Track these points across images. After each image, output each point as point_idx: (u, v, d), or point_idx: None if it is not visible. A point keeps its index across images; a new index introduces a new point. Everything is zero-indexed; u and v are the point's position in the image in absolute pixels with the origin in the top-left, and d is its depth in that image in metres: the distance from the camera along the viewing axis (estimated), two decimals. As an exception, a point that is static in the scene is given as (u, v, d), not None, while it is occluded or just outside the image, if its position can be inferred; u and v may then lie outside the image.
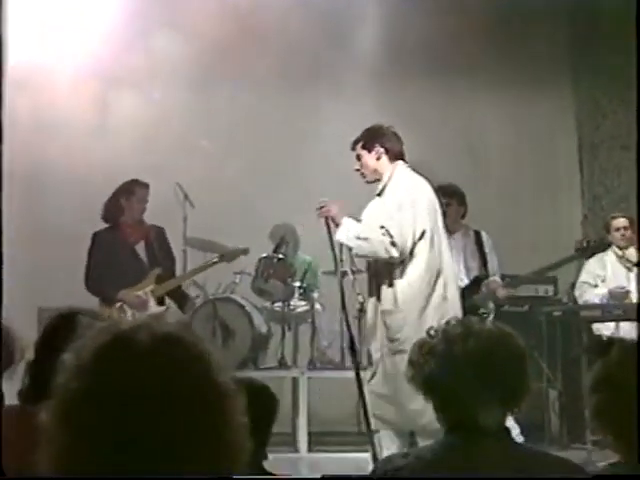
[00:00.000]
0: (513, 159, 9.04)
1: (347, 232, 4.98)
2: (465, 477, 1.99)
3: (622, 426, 2.17)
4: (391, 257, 4.90)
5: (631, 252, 7.31)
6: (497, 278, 6.91)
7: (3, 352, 2.45)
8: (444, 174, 6.83)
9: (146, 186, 6.65)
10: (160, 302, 6.54)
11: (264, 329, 7.54)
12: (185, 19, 8.06)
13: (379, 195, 5.14)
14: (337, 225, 5.04)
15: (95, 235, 6.59)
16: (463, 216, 7.08)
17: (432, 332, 2.21)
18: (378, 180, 5.18)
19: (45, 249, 7.36)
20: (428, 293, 4.99)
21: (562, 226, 9.02)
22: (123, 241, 6.55)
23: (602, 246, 6.97)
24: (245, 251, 7.04)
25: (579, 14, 9.18)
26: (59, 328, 2.45)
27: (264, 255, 7.47)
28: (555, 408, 7.43)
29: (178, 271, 7.04)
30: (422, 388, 2.16)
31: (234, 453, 1.33)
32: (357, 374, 4.74)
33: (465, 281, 6.74)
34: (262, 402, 2.81)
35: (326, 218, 5.05)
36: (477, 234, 7.02)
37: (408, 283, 4.96)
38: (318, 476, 5.92)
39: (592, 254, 7.02)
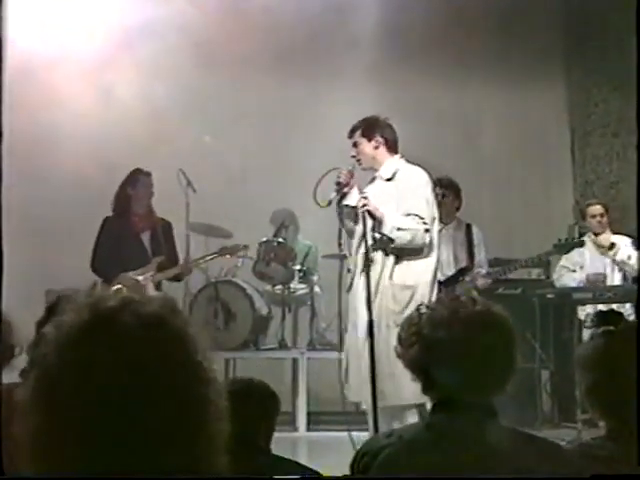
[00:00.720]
0: (507, 146, 9.09)
1: (391, 225, 5.02)
2: (465, 477, 1.97)
3: (621, 402, 2.21)
4: (424, 243, 5.03)
5: (605, 237, 7.43)
6: (482, 270, 7.01)
7: (3, 346, 2.45)
8: (440, 163, 6.88)
9: (148, 174, 6.81)
10: (157, 288, 6.65)
11: (265, 311, 7.63)
12: (184, 11, 8.07)
13: (389, 180, 5.19)
14: (374, 218, 5.01)
15: (105, 220, 6.76)
16: (458, 209, 7.19)
17: (422, 309, 2.19)
18: (373, 168, 5.26)
19: (53, 234, 7.43)
20: (433, 275, 5.12)
21: (554, 211, 9.10)
22: (130, 228, 6.72)
23: (579, 243, 7.08)
24: (245, 247, 7.16)
25: (571, 7, 9.23)
26: (56, 308, 2.48)
27: (265, 239, 7.56)
28: (547, 388, 7.53)
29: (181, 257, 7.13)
30: (409, 367, 2.15)
31: (212, 435, 1.28)
32: (372, 356, 4.75)
33: (452, 270, 6.91)
34: (263, 401, 2.81)
35: (363, 212, 5.01)
36: (468, 227, 7.12)
37: (425, 264, 5.09)
38: (317, 456, 6.05)
39: (569, 250, 7.12)
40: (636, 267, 7.17)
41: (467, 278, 6.84)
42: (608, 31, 8.81)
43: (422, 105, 8.49)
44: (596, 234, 7.44)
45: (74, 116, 7.70)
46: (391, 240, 4.98)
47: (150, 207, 6.83)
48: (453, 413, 2.07)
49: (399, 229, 4.97)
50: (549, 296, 7.41)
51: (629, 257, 7.20)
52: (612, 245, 7.31)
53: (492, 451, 2.00)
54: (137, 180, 6.76)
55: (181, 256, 7.01)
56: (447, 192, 6.93)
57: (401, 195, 5.09)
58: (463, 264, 7.01)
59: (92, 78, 7.96)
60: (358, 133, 5.24)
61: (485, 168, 8.93)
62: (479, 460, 1.98)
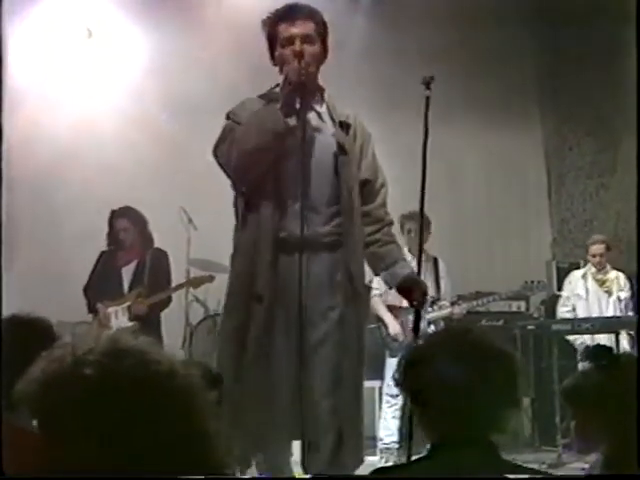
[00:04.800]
0: (488, 186, 9.14)
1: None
2: (465, 477, 1.87)
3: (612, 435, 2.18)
4: None
5: (610, 276, 7.43)
6: (446, 302, 6.95)
7: None
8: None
9: (122, 215, 6.62)
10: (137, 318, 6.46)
11: (260, 342, 7.56)
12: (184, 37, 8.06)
13: None
14: None
15: (101, 254, 6.70)
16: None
17: (420, 342, 2.10)
18: None
19: (59, 262, 7.36)
20: None
21: (533, 247, 9.13)
22: (113, 262, 6.63)
23: (543, 286, 7.13)
24: (211, 278, 6.94)
25: (544, 55, 9.33)
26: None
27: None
28: (528, 414, 7.50)
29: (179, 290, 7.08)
30: (409, 397, 2.00)
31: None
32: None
33: None
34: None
35: None
36: (435, 260, 7.06)
37: None
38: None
39: (534, 292, 7.19)
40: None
41: (434, 308, 6.79)
42: (578, 84, 8.92)
43: (405, 146, 8.47)
44: (598, 270, 7.46)
45: (69, 158, 7.62)
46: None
47: (142, 238, 6.64)
48: (454, 448, 1.89)
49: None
50: (529, 327, 7.43)
51: (625, 297, 7.28)
52: (609, 283, 7.38)
53: None
54: (121, 214, 6.65)
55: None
56: (414, 227, 6.87)
57: None
58: (430, 294, 6.98)
59: (88, 115, 7.92)
60: None
61: (467, 206, 8.96)
62: None
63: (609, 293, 7.40)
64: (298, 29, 3.50)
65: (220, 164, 3.47)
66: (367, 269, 3.70)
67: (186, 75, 7.84)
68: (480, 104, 8.93)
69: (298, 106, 3.42)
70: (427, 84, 3.73)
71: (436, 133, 8.72)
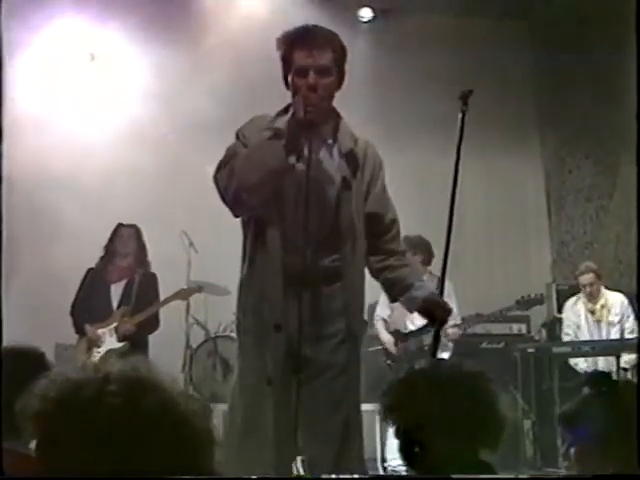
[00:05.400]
0: (486, 209, 9.13)
1: None
2: (466, 477, 1.93)
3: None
4: None
5: (598, 306, 7.37)
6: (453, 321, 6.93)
7: None
8: (422, 222, 6.86)
9: (131, 226, 6.61)
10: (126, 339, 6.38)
11: (261, 365, 7.52)
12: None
13: None
14: None
15: (88, 271, 6.60)
16: (429, 263, 7.09)
17: (400, 377, 2.12)
18: None
19: (62, 285, 7.31)
20: None
21: (533, 270, 9.11)
22: (102, 279, 6.53)
23: (540, 300, 7.07)
24: (200, 289, 6.96)
25: (544, 78, 9.35)
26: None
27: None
28: (529, 436, 7.45)
29: (179, 312, 7.05)
30: (394, 431, 2.07)
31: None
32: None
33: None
34: None
35: None
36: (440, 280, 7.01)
37: None
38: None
39: (529, 307, 7.10)
40: (627, 325, 7.21)
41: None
42: (577, 107, 8.94)
43: (408, 173, 8.49)
44: (588, 300, 7.41)
45: (71, 181, 7.61)
46: None
47: (137, 259, 6.57)
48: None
49: None
50: (530, 350, 7.40)
51: (616, 320, 7.23)
52: (598, 313, 7.33)
53: None
54: (116, 233, 6.62)
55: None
56: (415, 250, 6.86)
57: None
58: None
59: (90, 137, 7.92)
60: None
61: (467, 229, 8.92)
62: None
63: (599, 321, 7.35)
64: (314, 60, 3.31)
65: (218, 188, 3.35)
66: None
67: (187, 96, 7.84)
68: (479, 127, 8.91)
69: (304, 142, 3.27)
70: (465, 98, 3.62)
71: (435, 156, 8.78)
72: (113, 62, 8.16)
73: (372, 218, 3.50)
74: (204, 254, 7.26)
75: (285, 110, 3.43)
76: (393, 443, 6.65)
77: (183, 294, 6.85)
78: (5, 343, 2.50)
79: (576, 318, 7.44)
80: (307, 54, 3.31)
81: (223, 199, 3.34)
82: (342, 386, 3.35)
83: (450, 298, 6.90)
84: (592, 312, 7.37)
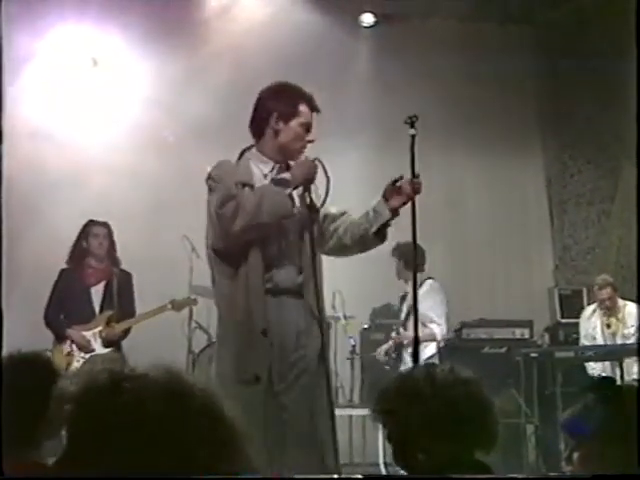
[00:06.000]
0: (488, 214, 9.10)
1: None
2: (466, 477, 1.92)
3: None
4: None
5: (614, 319, 7.32)
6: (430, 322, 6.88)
7: None
8: (426, 229, 6.80)
9: (104, 224, 6.44)
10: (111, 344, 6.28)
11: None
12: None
13: None
14: None
15: (61, 271, 6.40)
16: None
17: (398, 381, 2.12)
18: None
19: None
20: None
21: (535, 274, 9.08)
22: (81, 281, 6.33)
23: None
24: (194, 301, 6.87)
25: (545, 83, 9.33)
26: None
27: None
28: (532, 440, 7.41)
29: (182, 317, 7.01)
30: (391, 435, 2.07)
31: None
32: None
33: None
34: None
35: None
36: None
37: None
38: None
39: None
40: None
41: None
42: (579, 112, 8.92)
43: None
44: (604, 314, 7.37)
45: (72, 186, 7.59)
46: None
47: (111, 258, 6.41)
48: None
49: None
50: (532, 355, 7.36)
51: (630, 333, 7.18)
52: (614, 326, 7.29)
53: None
54: (89, 232, 6.40)
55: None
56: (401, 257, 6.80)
57: None
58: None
59: (90, 147, 7.89)
60: None
61: (468, 234, 8.91)
62: None
63: (614, 334, 7.31)
64: (312, 121, 3.80)
65: (220, 220, 3.69)
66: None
67: (189, 100, 7.83)
68: (481, 132, 8.92)
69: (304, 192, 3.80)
70: (412, 123, 3.74)
71: (437, 161, 8.78)
72: (115, 67, 8.15)
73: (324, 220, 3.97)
74: (205, 258, 7.21)
75: (244, 151, 3.89)
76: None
77: (176, 305, 6.66)
78: (7, 346, 2.46)
79: (592, 330, 7.40)
80: (311, 113, 3.78)
81: (226, 230, 3.70)
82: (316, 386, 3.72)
83: (426, 298, 6.71)
84: (608, 325, 7.33)
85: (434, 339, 6.65)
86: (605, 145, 8.70)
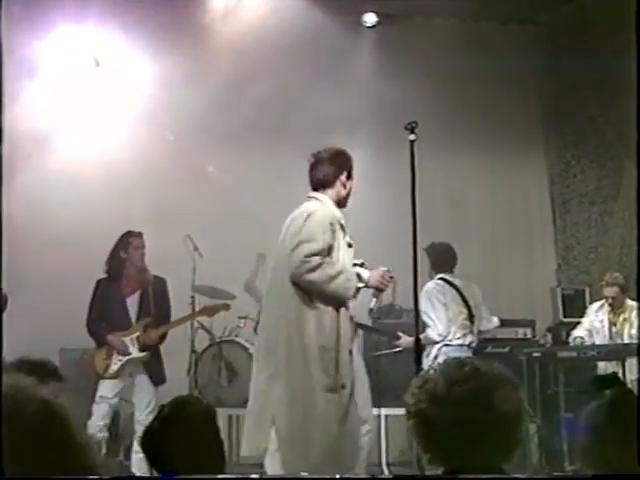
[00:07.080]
0: (491, 213, 9.09)
1: None
2: (469, 477, 1.89)
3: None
4: None
5: (621, 318, 7.29)
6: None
7: None
8: (429, 228, 6.79)
9: (139, 235, 6.58)
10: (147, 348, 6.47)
11: (266, 370, 7.47)
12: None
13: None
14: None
15: (98, 282, 6.57)
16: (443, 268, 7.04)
17: (431, 373, 2.04)
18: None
19: (66, 292, 7.26)
20: None
21: (538, 274, 9.06)
22: (118, 292, 6.53)
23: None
24: (226, 306, 7.00)
25: (548, 83, 9.31)
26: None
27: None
28: (535, 440, 7.38)
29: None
30: (419, 434, 2.01)
31: None
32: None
33: None
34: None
35: None
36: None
37: None
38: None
39: None
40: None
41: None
42: (581, 112, 8.90)
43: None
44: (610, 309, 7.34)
45: (76, 185, 7.57)
46: None
47: (143, 267, 6.56)
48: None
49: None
50: (535, 354, 7.33)
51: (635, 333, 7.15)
52: (619, 325, 7.26)
53: None
54: (129, 243, 6.53)
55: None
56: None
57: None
58: None
59: (92, 147, 7.88)
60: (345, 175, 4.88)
61: (471, 233, 8.89)
62: None
63: (620, 334, 7.28)
64: None
65: (312, 283, 4.45)
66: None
67: (192, 100, 7.80)
68: (483, 132, 8.90)
69: None
70: (411, 129, 3.72)
71: (440, 162, 8.75)
72: (118, 67, 8.12)
73: None
74: (208, 258, 7.20)
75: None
76: (396, 446, 6.63)
77: (209, 310, 6.88)
78: (12, 350, 2.44)
79: (598, 323, 7.35)
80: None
81: (321, 292, 4.47)
82: None
83: (422, 298, 6.63)
84: (614, 324, 7.30)
85: (432, 341, 6.65)
86: (608, 145, 8.67)
